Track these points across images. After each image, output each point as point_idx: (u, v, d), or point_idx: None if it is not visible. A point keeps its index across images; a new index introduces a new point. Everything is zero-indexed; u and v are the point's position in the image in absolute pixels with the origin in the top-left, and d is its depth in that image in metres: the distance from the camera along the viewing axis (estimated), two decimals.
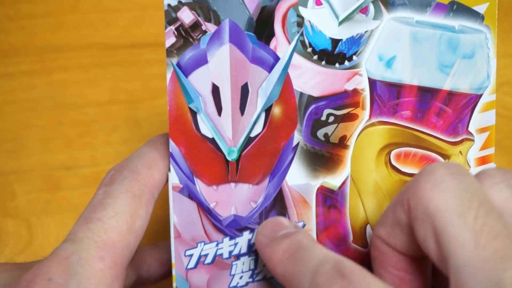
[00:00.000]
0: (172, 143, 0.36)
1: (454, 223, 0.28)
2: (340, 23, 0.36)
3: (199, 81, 0.36)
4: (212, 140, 0.36)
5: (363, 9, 0.36)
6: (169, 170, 0.36)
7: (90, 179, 0.54)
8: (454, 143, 0.37)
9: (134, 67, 0.57)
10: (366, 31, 0.37)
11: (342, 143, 0.37)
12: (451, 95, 0.37)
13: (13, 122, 0.55)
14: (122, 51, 0.57)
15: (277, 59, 0.36)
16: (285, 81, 0.36)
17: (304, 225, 0.38)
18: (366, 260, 0.37)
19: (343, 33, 0.36)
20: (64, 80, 0.56)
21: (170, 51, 0.36)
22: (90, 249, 0.32)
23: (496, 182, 0.30)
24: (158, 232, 0.50)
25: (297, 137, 0.37)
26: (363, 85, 0.37)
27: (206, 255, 0.37)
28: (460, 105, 0.37)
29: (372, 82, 0.37)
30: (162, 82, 0.55)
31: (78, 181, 0.54)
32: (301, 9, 0.36)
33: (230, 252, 0.38)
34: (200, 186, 0.37)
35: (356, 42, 0.37)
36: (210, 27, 0.36)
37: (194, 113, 0.36)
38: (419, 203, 0.29)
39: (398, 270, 0.33)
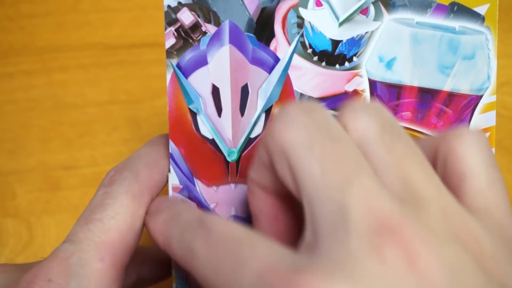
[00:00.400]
0: (172, 144, 0.36)
1: (303, 155, 0.27)
2: (341, 24, 0.36)
3: (199, 82, 0.36)
4: (212, 141, 0.36)
5: (363, 10, 0.36)
6: (169, 171, 0.36)
7: (90, 179, 0.54)
8: None
9: (134, 67, 0.57)
10: (366, 32, 0.37)
11: None
12: (451, 96, 0.37)
13: (13, 122, 0.55)
14: (122, 51, 0.57)
15: (277, 60, 0.36)
16: (285, 82, 0.36)
17: None
18: None
19: (344, 34, 0.36)
20: (64, 80, 0.56)
21: (170, 52, 0.35)
22: (90, 250, 0.33)
23: (358, 114, 0.29)
24: None
25: None
26: (364, 86, 0.37)
27: None
28: (460, 106, 0.37)
29: (372, 83, 0.37)
30: (162, 82, 0.55)
31: (78, 181, 0.54)
32: (301, 10, 0.36)
33: None
34: (200, 187, 0.37)
35: (357, 43, 0.37)
36: (210, 28, 0.36)
37: (194, 114, 0.36)
38: (274, 141, 0.28)
39: (272, 210, 0.32)
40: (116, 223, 0.34)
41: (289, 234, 0.32)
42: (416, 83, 0.37)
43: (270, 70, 0.36)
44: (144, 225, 0.35)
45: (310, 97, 0.37)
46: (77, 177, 0.54)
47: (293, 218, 0.32)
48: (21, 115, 0.55)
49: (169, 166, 0.36)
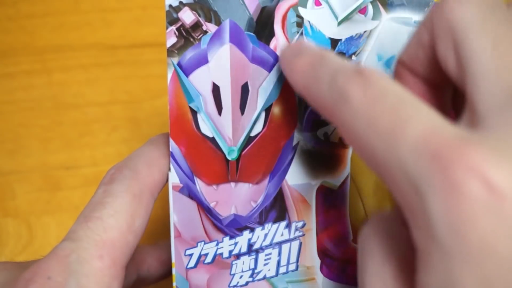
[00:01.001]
0: (172, 143, 0.36)
1: (474, 31, 0.26)
2: (339, 23, 0.36)
3: (200, 81, 0.36)
4: (212, 140, 0.36)
5: (362, 10, 0.37)
6: (169, 169, 0.37)
7: (90, 179, 0.54)
8: None
9: (134, 67, 0.57)
10: (365, 31, 0.37)
11: (342, 142, 0.38)
12: None
13: (13, 122, 0.55)
14: (122, 51, 0.57)
15: (277, 58, 0.36)
16: (285, 80, 0.36)
17: (304, 225, 0.38)
18: None
19: (342, 33, 0.37)
20: (64, 80, 0.56)
21: (171, 51, 0.36)
22: (89, 248, 0.33)
23: None
24: (157, 231, 0.51)
25: (297, 136, 0.37)
26: None
27: (206, 255, 0.38)
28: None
29: None
30: (162, 82, 0.56)
31: (78, 181, 0.54)
32: (301, 10, 0.36)
33: (230, 252, 0.38)
34: (200, 186, 0.37)
35: (355, 42, 0.37)
36: (211, 27, 0.36)
37: (194, 113, 0.36)
38: (441, 18, 0.28)
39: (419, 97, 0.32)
40: (115, 222, 0.34)
41: None
42: None
43: (270, 68, 0.36)
44: (280, 64, 0.34)
45: None
46: (77, 177, 0.54)
47: (438, 106, 0.31)
48: (21, 115, 0.55)
49: (169, 165, 0.37)
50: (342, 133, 0.28)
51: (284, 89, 0.36)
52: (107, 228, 0.33)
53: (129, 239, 0.34)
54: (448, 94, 0.32)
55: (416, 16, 0.37)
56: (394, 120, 0.25)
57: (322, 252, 0.39)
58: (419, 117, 0.25)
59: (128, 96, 0.56)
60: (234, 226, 0.37)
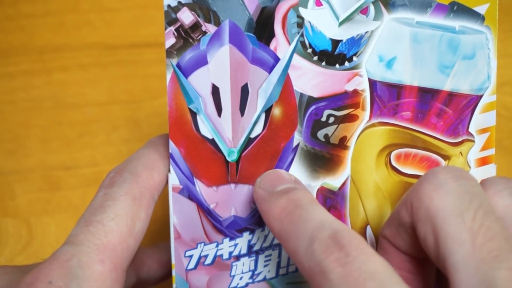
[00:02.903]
0: (172, 144, 0.36)
1: (452, 223, 0.28)
2: (340, 23, 0.36)
3: (199, 82, 0.36)
4: (212, 141, 0.36)
5: (363, 10, 0.36)
6: (169, 171, 0.36)
7: (90, 179, 0.54)
8: (454, 144, 0.37)
9: (134, 67, 0.57)
10: (366, 32, 0.37)
11: (342, 144, 0.37)
12: (451, 96, 0.37)
13: (13, 122, 0.55)
14: (122, 51, 0.57)
15: (277, 60, 0.36)
16: (285, 82, 0.36)
17: None
18: None
19: (343, 33, 0.36)
20: (64, 80, 0.56)
21: (170, 52, 0.35)
22: (90, 252, 0.32)
23: (499, 189, 0.31)
24: (157, 232, 0.50)
25: (297, 138, 0.37)
26: (363, 86, 0.37)
27: (206, 256, 0.37)
28: (460, 106, 0.37)
29: (372, 83, 0.37)
30: (162, 82, 0.55)
31: (78, 181, 0.54)
32: (301, 10, 0.36)
33: (230, 253, 0.38)
34: (200, 187, 0.37)
35: (357, 43, 0.37)
36: (210, 28, 0.36)
37: (194, 114, 0.36)
38: (421, 204, 0.30)
39: (401, 270, 0.33)
40: (116, 225, 0.33)
41: None
42: (416, 83, 0.37)
43: (270, 69, 0.36)
44: (255, 200, 0.35)
45: (310, 97, 0.37)
46: (77, 177, 0.54)
47: (421, 280, 0.33)
48: (21, 115, 0.55)
49: (169, 166, 0.36)
50: None
51: (284, 90, 0.36)
52: (108, 232, 0.33)
53: (130, 243, 0.34)
54: (432, 267, 0.34)
55: (418, 17, 0.36)
56: None
57: None
58: None
59: (128, 96, 0.56)
60: (234, 228, 0.37)
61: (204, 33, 0.36)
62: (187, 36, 0.36)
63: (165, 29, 0.35)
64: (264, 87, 0.36)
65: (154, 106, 0.56)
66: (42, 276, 0.31)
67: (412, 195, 0.31)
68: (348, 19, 0.36)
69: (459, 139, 0.37)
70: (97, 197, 0.35)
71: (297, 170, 0.37)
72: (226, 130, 0.36)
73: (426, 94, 0.37)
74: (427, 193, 0.30)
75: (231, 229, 0.37)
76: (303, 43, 0.36)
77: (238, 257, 0.38)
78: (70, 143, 0.55)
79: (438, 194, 0.29)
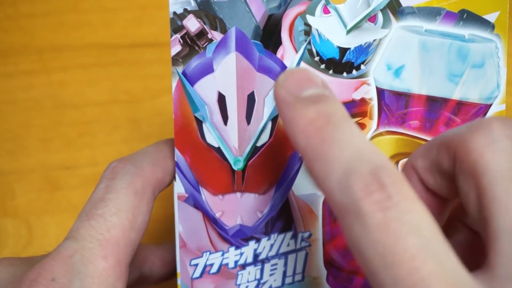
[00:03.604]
0: (177, 152, 0.36)
1: (502, 185, 0.26)
2: (348, 31, 0.36)
3: (205, 90, 0.35)
4: (218, 150, 0.36)
5: (371, 18, 0.36)
6: (175, 179, 0.36)
7: (90, 179, 0.53)
8: None
9: (134, 67, 0.56)
10: (374, 40, 0.36)
11: None
12: (460, 105, 0.37)
13: (13, 122, 0.54)
14: (122, 51, 0.57)
15: (284, 67, 0.36)
16: None
17: (310, 235, 0.38)
18: None
19: (351, 41, 0.36)
20: (64, 80, 0.56)
21: (175, 60, 0.35)
22: (93, 248, 0.32)
23: None
24: (158, 232, 0.50)
25: None
26: (371, 95, 0.37)
27: (211, 265, 0.37)
28: (469, 115, 0.37)
29: (380, 92, 0.37)
30: (162, 82, 0.56)
31: (78, 181, 0.53)
32: (309, 18, 0.36)
33: (236, 262, 0.37)
34: (205, 196, 0.37)
35: (364, 51, 0.36)
36: (216, 36, 0.35)
37: (199, 122, 0.36)
38: (468, 157, 0.27)
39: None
40: (118, 220, 0.33)
41: None
42: (424, 92, 0.36)
43: (276, 77, 0.36)
44: (276, 102, 0.29)
45: None
46: (77, 177, 0.54)
47: (435, 217, 0.29)
48: (21, 115, 0.55)
49: (174, 167, 0.36)
50: (347, 240, 0.26)
51: None
52: (110, 227, 0.33)
53: (132, 237, 0.34)
54: (448, 209, 0.32)
55: (427, 25, 0.36)
56: (413, 266, 0.24)
57: (329, 263, 0.38)
58: (442, 271, 0.24)
59: (128, 96, 0.56)
60: (240, 236, 0.37)
61: (210, 40, 0.35)
62: (193, 44, 0.35)
63: (171, 36, 0.35)
64: (270, 95, 0.36)
65: (154, 106, 0.55)
66: (45, 272, 0.31)
67: (458, 142, 0.28)
68: (356, 27, 0.36)
69: None
70: (99, 189, 0.34)
71: (304, 179, 0.37)
72: (232, 139, 0.36)
73: (435, 103, 0.36)
74: (477, 147, 0.27)
75: (237, 238, 0.37)
76: (310, 51, 0.36)
77: (243, 266, 0.38)
78: (70, 143, 0.54)
79: (490, 150, 0.27)
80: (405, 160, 0.37)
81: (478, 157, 0.27)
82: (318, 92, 0.29)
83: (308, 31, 0.36)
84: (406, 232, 0.24)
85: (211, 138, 0.36)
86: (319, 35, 0.36)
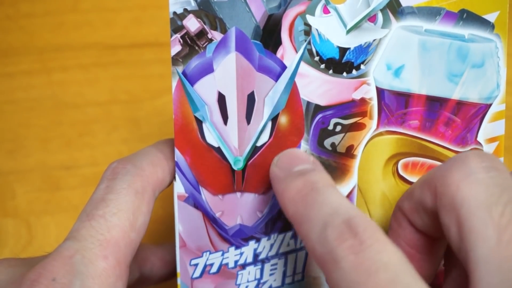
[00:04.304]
0: (177, 152, 0.36)
1: (479, 216, 0.27)
2: (348, 31, 0.36)
3: (205, 90, 0.35)
4: (218, 149, 0.36)
5: (371, 18, 0.36)
6: (175, 179, 0.36)
7: (90, 179, 0.53)
8: None
9: (134, 67, 0.56)
10: (374, 40, 0.36)
11: (349, 152, 0.37)
12: (460, 105, 0.37)
13: (13, 122, 0.54)
14: (122, 51, 0.57)
15: (284, 67, 0.36)
16: (292, 90, 0.36)
17: None
18: None
19: (351, 41, 0.36)
20: (64, 80, 0.56)
21: (175, 60, 0.35)
22: (94, 248, 0.32)
23: None
24: (158, 232, 0.50)
25: (304, 146, 0.37)
26: (371, 94, 0.37)
27: (211, 265, 0.37)
28: (469, 115, 0.37)
29: (380, 91, 0.37)
30: (162, 82, 0.56)
31: (78, 181, 0.53)
32: (309, 18, 0.36)
33: (236, 262, 0.37)
34: (205, 196, 0.37)
35: (364, 51, 0.36)
36: (216, 35, 0.35)
37: (199, 122, 0.36)
38: (447, 191, 0.29)
39: (410, 246, 0.32)
40: (118, 220, 0.33)
41: (418, 269, 0.32)
42: (424, 91, 0.36)
43: (276, 77, 0.36)
44: (271, 179, 0.34)
45: (316, 105, 0.36)
46: (77, 177, 0.54)
47: (428, 260, 0.33)
48: (21, 115, 0.55)
49: (174, 168, 0.36)
50: (328, 282, 0.28)
51: (291, 98, 0.36)
52: (111, 227, 0.33)
53: (132, 237, 0.34)
54: (441, 248, 0.33)
55: (427, 25, 0.36)
56: None
57: None
58: None
59: (128, 96, 0.56)
60: (239, 236, 0.37)
61: (210, 40, 0.35)
62: (193, 44, 0.35)
63: (171, 36, 0.35)
64: (270, 95, 0.36)
65: (154, 106, 0.56)
66: (45, 272, 0.31)
67: (438, 178, 0.29)
68: (356, 26, 0.36)
69: (467, 148, 0.37)
70: (99, 189, 0.35)
71: None
72: (232, 139, 0.36)
73: (434, 103, 0.36)
74: (454, 181, 0.28)
75: (237, 237, 0.37)
76: (310, 51, 0.36)
77: (243, 266, 0.38)
78: (70, 143, 0.54)
79: (466, 183, 0.28)
80: (405, 160, 0.37)
81: (455, 190, 0.28)
82: (307, 167, 0.33)
83: (308, 31, 0.36)
84: (377, 268, 0.26)
85: (211, 138, 0.36)
86: (319, 35, 0.36)
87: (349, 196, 0.37)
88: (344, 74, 0.36)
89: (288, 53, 0.36)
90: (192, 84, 0.35)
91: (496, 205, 0.27)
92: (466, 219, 0.28)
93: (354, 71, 0.36)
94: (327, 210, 0.29)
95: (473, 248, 0.27)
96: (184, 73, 0.35)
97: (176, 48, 0.35)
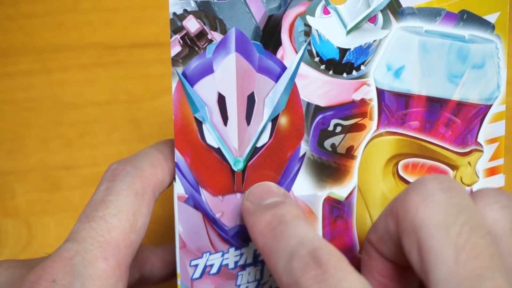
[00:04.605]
0: (177, 153, 0.36)
1: (437, 237, 0.28)
2: (348, 32, 0.36)
3: (205, 91, 0.35)
4: (218, 150, 0.36)
5: (371, 18, 0.36)
6: (174, 179, 0.36)
7: (90, 179, 0.53)
8: (462, 154, 0.37)
9: (134, 67, 0.56)
10: (374, 41, 0.36)
11: (349, 153, 0.37)
12: (460, 106, 0.37)
13: (13, 122, 0.54)
14: (122, 51, 0.57)
15: (284, 68, 0.36)
16: (292, 90, 0.36)
17: None
18: None
19: (351, 42, 0.36)
20: (64, 80, 0.56)
21: (175, 60, 0.35)
22: (94, 249, 0.32)
23: (489, 202, 0.30)
24: (158, 232, 0.50)
25: (304, 147, 0.37)
26: (371, 95, 0.37)
27: (211, 265, 0.37)
28: (469, 116, 0.37)
29: (380, 92, 0.37)
30: (162, 82, 0.56)
31: (78, 181, 0.53)
32: (309, 18, 0.36)
33: (236, 263, 0.37)
34: (205, 196, 0.36)
35: (364, 51, 0.36)
36: (216, 36, 0.35)
37: (199, 123, 0.36)
38: (407, 215, 0.29)
39: (383, 277, 0.33)
40: (118, 222, 0.33)
41: None
42: (424, 92, 0.36)
43: (276, 78, 0.36)
44: (242, 212, 0.35)
45: (317, 106, 0.36)
46: (77, 177, 0.54)
47: (404, 285, 0.33)
48: (21, 115, 0.55)
49: (174, 169, 0.36)
50: None
51: (291, 99, 0.36)
52: (111, 229, 0.33)
53: (132, 239, 0.34)
54: (415, 276, 0.33)
55: (427, 25, 0.36)
56: None
57: None
58: None
59: (128, 96, 0.56)
60: (239, 237, 0.37)
61: (210, 41, 0.35)
62: (192, 45, 0.35)
63: (171, 37, 0.35)
64: (270, 96, 0.36)
65: (154, 106, 0.56)
66: (45, 274, 0.31)
67: (398, 204, 0.30)
68: (356, 27, 0.36)
69: (468, 149, 0.37)
70: (99, 191, 0.35)
71: (304, 179, 0.37)
72: (232, 139, 0.36)
73: (435, 104, 0.36)
74: (413, 204, 0.29)
75: (237, 238, 0.37)
76: (310, 52, 0.36)
77: (243, 267, 0.38)
78: (70, 143, 0.54)
79: (424, 205, 0.29)
80: (405, 161, 0.37)
81: (414, 213, 0.29)
82: (277, 200, 0.34)
83: (308, 32, 0.36)
84: None
85: (211, 139, 0.36)
86: (319, 35, 0.36)
87: (349, 197, 0.37)
88: (344, 75, 0.36)
89: (288, 54, 0.36)
90: (192, 85, 0.35)
91: (454, 225, 0.28)
92: (425, 241, 0.28)
93: (354, 72, 0.36)
94: (293, 242, 0.30)
95: (432, 269, 0.27)
96: (184, 74, 0.35)
97: (176, 49, 0.35)
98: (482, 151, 0.37)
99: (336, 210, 0.38)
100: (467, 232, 0.27)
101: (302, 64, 0.36)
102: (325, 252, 0.29)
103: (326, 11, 0.36)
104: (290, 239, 0.30)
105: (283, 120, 0.36)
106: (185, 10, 0.35)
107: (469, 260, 0.27)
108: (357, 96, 0.37)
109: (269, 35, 0.36)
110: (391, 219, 0.30)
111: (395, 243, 0.31)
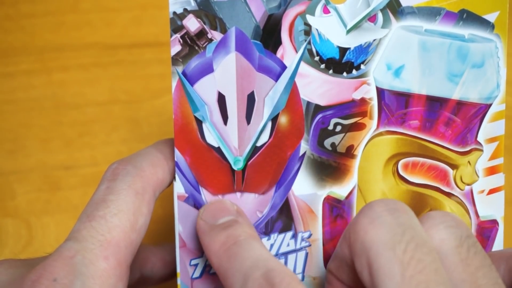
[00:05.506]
0: (177, 152, 0.36)
1: (385, 255, 0.28)
2: (348, 31, 0.36)
3: (205, 90, 0.35)
4: (218, 149, 0.36)
5: (371, 18, 0.36)
6: (174, 179, 0.36)
7: (90, 179, 0.53)
8: (462, 153, 0.37)
9: (134, 67, 0.56)
10: (374, 40, 0.36)
11: (349, 152, 0.37)
12: (460, 105, 0.37)
13: (13, 122, 0.54)
14: (122, 51, 0.57)
15: (284, 67, 0.36)
16: (292, 90, 0.36)
17: (310, 235, 0.38)
18: None
19: (351, 41, 0.36)
20: (64, 80, 0.56)
21: (175, 60, 0.35)
22: (94, 249, 0.32)
23: (436, 223, 0.31)
24: (158, 232, 0.50)
25: (304, 146, 0.37)
26: (371, 94, 0.37)
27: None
28: (469, 115, 0.37)
29: (380, 91, 0.37)
30: (162, 82, 0.56)
31: (78, 181, 0.53)
32: (309, 17, 0.36)
33: None
34: (205, 196, 0.36)
35: (364, 50, 0.36)
36: (216, 35, 0.35)
37: (199, 122, 0.36)
38: (357, 237, 0.30)
39: None
40: (119, 221, 0.33)
41: None
42: (424, 91, 0.36)
43: (276, 77, 0.36)
44: (196, 231, 0.35)
45: (317, 105, 0.36)
46: (77, 177, 0.54)
47: None
48: (21, 115, 0.55)
49: (174, 168, 0.36)
50: None
51: (291, 98, 0.36)
52: (111, 228, 0.33)
53: (133, 238, 0.34)
54: None
55: (427, 25, 0.36)
56: None
57: None
58: None
59: (128, 96, 0.56)
60: None
61: (210, 40, 0.35)
62: (192, 44, 0.35)
63: (171, 36, 0.35)
64: (270, 95, 0.36)
65: (154, 106, 0.56)
66: (46, 273, 0.31)
67: (351, 229, 0.31)
68: (356, 26, 0.36)
69: (468, 148, 0.37)
70: (99, 190, 0.35)
71: (304, 179, 0.37)
72: (232, 139, 0.36)
73: (435, 103, 0.37)
74: (362, 226, 0.30)
75: None
76: (310, 51, 0.36)
77: None
78: (70, 143, 0.54)
79: (372, 227, 0.29)
80: (405, 160, 0.37)
81: (363, 234, 0.30)
82: (231, 219, 0.34)
83: (308, 31, 0.36)
84: None
85: (211, 138, 0.36)
86: (319, 35, 0.36)
87: (349, 196, 0.37)
88: (344, 74, 0.36)
89: (288, 53, 0.36)
90: (192, 84, 0.35)
91: (400, 243, 0.28)
92: (374, 260, 0.29)
93: (354, 71, 0.36)
94: (247, 264, 0.31)
95: (381, 286, 0.28)
96: (184, 73, 0.35)
97: (176, 48, 0.35)
98: (482, 150, 0.37)
99: (336, 209, 0.38)
100: (413, 249, 0.28)
101: (302, 63, 0.36)
102: (278, 273, 0.30)
103: (326, 10, 0.36)
104: (244, 261, 0.31)
105: (283, 119, 0.36)
106: (185, 9, 0.35)
107: (414, 275, 0.28)
108: (357, 95, 0.37)
109: (269, 34, 0.36)
110: (345, 245, 0.31)
111: (351, 269, 0.31)
